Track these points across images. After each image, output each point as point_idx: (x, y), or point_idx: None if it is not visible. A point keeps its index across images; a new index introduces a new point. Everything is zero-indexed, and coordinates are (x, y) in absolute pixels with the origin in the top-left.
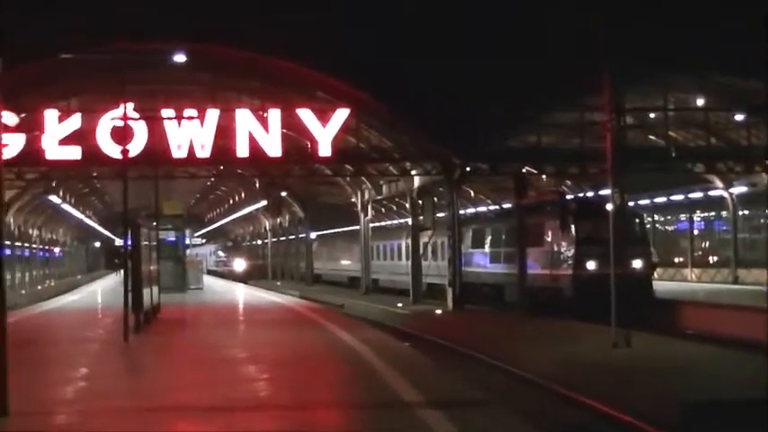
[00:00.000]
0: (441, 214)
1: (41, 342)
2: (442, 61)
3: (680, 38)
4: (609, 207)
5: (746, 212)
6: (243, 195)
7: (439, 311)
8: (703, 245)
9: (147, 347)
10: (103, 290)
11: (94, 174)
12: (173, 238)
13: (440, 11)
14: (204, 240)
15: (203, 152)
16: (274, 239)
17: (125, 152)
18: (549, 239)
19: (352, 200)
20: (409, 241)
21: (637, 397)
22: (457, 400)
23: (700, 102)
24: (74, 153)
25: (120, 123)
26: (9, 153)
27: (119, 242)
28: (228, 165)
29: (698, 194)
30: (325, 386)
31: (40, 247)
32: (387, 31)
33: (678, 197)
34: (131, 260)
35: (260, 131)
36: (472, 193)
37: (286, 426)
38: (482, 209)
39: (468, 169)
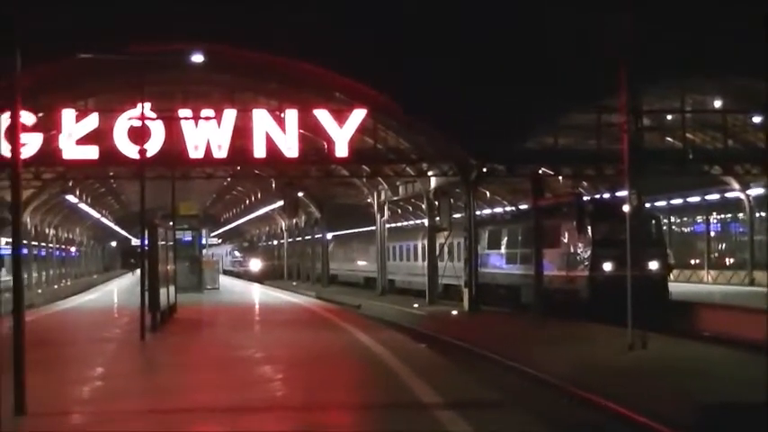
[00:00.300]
0: (457, 215)
1: (58, 341)
2: (460, 62)
3: (697, 39)
4: (625, 209)
5: (763, 214)
6: (259, 196)
7: (455, 312)
8: (720, 247)
9: (164, 347)
10: (120, 289)
11: (111, 174)
12: (189, 238)
13: (459, 10)
14: (220, 240)
15: (220, 152)
16: (290, 240)
17: (142, 152)
18: (565, 241)
19: (369, 200)
20: (425, 242)
21: (653, 399)
22: (473, 401)
23: (717, 104)
24: (91, 153)
25: (138, 123)
26: (26, 152)
27: (135, 242)
28: (245, 165)
29: (714, 196)
30: (342, 387)
31: (57, 246)
32: (404, 32)
33: (695, 199)
34: (148, 260)
35: (277, 132)
36: (488, 195)
37: (303, 427)
38: (498, 210)
39: (484, 170)
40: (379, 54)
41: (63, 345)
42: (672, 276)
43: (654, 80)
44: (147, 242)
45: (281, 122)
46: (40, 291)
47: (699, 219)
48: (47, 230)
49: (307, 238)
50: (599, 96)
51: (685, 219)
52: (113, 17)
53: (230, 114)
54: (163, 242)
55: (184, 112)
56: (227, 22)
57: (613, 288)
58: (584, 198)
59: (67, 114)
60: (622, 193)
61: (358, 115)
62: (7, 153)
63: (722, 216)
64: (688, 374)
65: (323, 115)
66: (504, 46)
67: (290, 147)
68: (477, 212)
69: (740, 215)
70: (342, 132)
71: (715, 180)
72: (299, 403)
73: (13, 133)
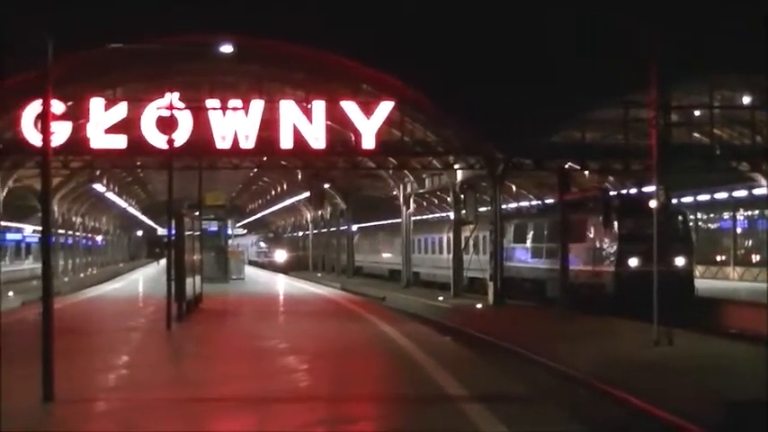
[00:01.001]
0: (483, 209)
1: (84, 330)
2: (489, 56)
3: (726, 35)
4: (652, 204)
5: None
6: (285, 187)
7: (479, 306)
8: (746, 243)
9: (190, 337)
10: (145, 278)
11: (138, 163)
12: (215, 229)
13: (489, 5)
14: (246, 231)
15: (247, 143)
16: (315, 231)
17: (170, 142)
18: (591, 235)
19: (395, 193)
20: (451, 235)
21: (678, 395)
22: (500, 395)
23: (746, 100)
24: (119, 142)
25: (166, 113)
26: (55, 141)
27: (161, 231)
28: (272, 156)
29: (742, 193)
30: (367, 379)
31: (83, 235)
32: (433, 26)
33: (721, 195)
34: (174, 250)
35: (304, 123)
36: (514, 188)
37: (328, 418)
38: (524, 204)
39: (511, 164)
40: (408, 47)
41: (89, 333)
42: (697, 273)
43: (682, 76)
44: (173, 232)
45: (308, 113)
46: (66, 279)
47: (725, 215)
48: (74, 219)
49: (332, 229)
50: (626, 91)
51: (712, 215)
52: (142, 7)
53: (257, 105)
54: (189, 232)
55: (212, 103)
56: (256, 13)
57: (639, 283)
58: (611, 193)
59: (96, 103)
60: (649, 189)
61: (385, 107)
62: (37, 142)
63: (749, 213)
64: (713, 371)
65: (350, 107)
66: (533, 41)
67: (316, 138)
68: (503, 206)
69: (767, 212)
70: (369, 124)
71: (742, 176)
72: (324, 394)
73: (43, 122)
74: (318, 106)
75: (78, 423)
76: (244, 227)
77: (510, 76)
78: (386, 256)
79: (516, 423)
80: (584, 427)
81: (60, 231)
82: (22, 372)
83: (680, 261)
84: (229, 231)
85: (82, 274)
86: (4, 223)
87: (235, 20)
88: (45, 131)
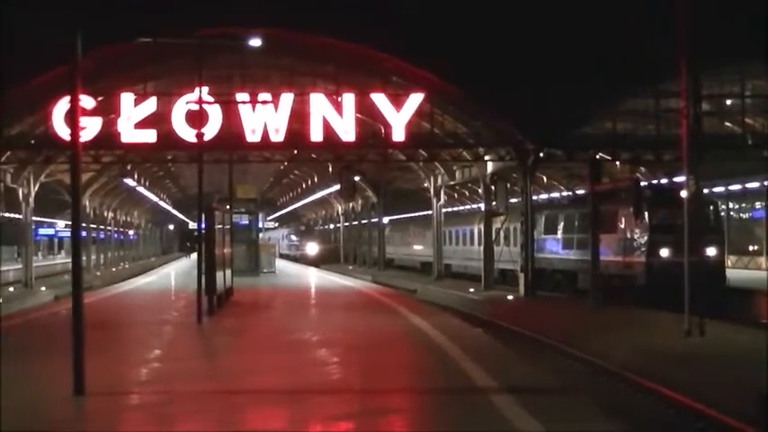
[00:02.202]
0: (513, 200)
1: (115, 323)
2: (518, 46)
3: (757, 23)
4: (683, 194)
5: None
6: (315, 180)
7: (511, 297)
8: None
9: (220, 330)
10: (177, 272)
11: (169, 157)
12: (246, 222)
13: None
14: (277, 224)
15: (277, 136)
16: (347, 224)
17: (200, 136)
18: (622, 226)
19: (425, 185)
20: (482, 227)
21: (710, 386)
22: (531, 387)
23: None
24: (149, 136)
25: (196, 107)
26: (86, 136)
27: (192, 225)
28: (302, 149)
29: None
30: (398, 371)
31: (115, 229)
32: (463, 17)
33: (754, 185)
34: (205, 243)
35: (334, 116)
36: (545, 179)
37: (359, 411)
38: (555, 195)
39: (542, 155)
40: (439, 39)
41: (121, 327)
42: (729, 263)
43: (714, 65)
44: (204, 225)
45: (338, 106)
46: (98, 273)
47: (758, 205)
48: (105, 213)
49: (363, 222)
50: (658, 80)
51: (744, 205)
52: (173, 1)
53: (287, 98)
54: (220, 225)
55: (242, 96)
56: (286, 5)
57: (670, 274)
58: (642, 183)
59: (126, 98)
60: (680, 179)
61: (415, 99)
62: (67, 137)
63: None
64: (745, 362)
65: (380, 99)
66: (563, 31)
67: (346, 130)
68: (534, 197)
69: None
70: (399, 117)
71: None
72: (358, 387)
73: (72, 117)
74: (348, 99)
75: (109, 416)
76: (275, 220)
77: (541, 67)
78: (417, 248)
79: (549, 418)
80: (613, 417)
81: (93, 226)
82: (53, 365)
83: (711, 251)
84: (260, 224)
85: (114, 269)
86: (36, 218)
87: (266, 12)
88: (74, 126)
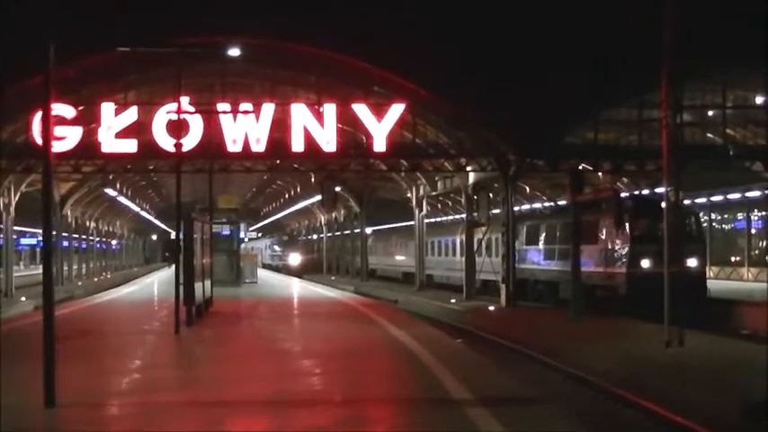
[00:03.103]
0: (495, 210)
1: (94, 333)
2: (502, 55)
3: (740, 33)
4: (664, 205)
5: None
6: (298, 189)
7: (492, 308)
8: (761, 244)
9: (197, 340)
10: (159, 282)
11: (151, 167)
12: (227, 232)
13: (502, 5)
14: (260, 234)
15: (258, 146)
16: (329, 234)
17: (178, 146)
18: (603, 237)
19: (408, 195)
20: (463, 237)
21: (687, 397)
22: (509, 398)
23: (759, 99)
24: (130, 146)
25: (176, 117)
26: (66, 145)
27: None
28: (284, 159)
29: (756, 193)
30: (374, 383)
31: (98, 239)
32: (445, 26)
33: (735, 196)
34: (183, 254)
35: (315, 126)
36: (528, 190)
37: (335, 421)
38: (537, 205)
39: (524, 165)
40: (422, 48)
41: (99, 336)
42: (711, 273)
43: (695, 75)
44: (182, 235)
45: (319, 117)
46: (80, 283)
47: (740, 216)
48: (87, 223)
49: (346, 232)
50: (640, 91)
51: (726, 216)
52: (155, 9)
53: (269, 108)
54: (199, 235)
55: (223, 106)
56: (268, 15)
57: (652, 284)
58: (623, 194)
59: (107, 107)
60: (662, 189)
61: (396, 110)
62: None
63: (763, 213)
64: (722, 372)
65: (361, 110)
66: (547, 41)
67: (328, 141)
68: (516, 208)
69: None
70: (380, 127)
71: (757, 177)
72: (334, 398)
73: (44, 125)
74: (329, 109)
75: (78, 427)
76: (258, 230)
77: (523, 76)
78: (399, 258)
79: (517, 426)
80: (589, 429)
81: (75, 236)
82: (26, 375)
83: (692, 262)
84: (242, 235)
85: (96, 279)
86: (18, 228)
87: (249, 21)
88: (46, 135)
